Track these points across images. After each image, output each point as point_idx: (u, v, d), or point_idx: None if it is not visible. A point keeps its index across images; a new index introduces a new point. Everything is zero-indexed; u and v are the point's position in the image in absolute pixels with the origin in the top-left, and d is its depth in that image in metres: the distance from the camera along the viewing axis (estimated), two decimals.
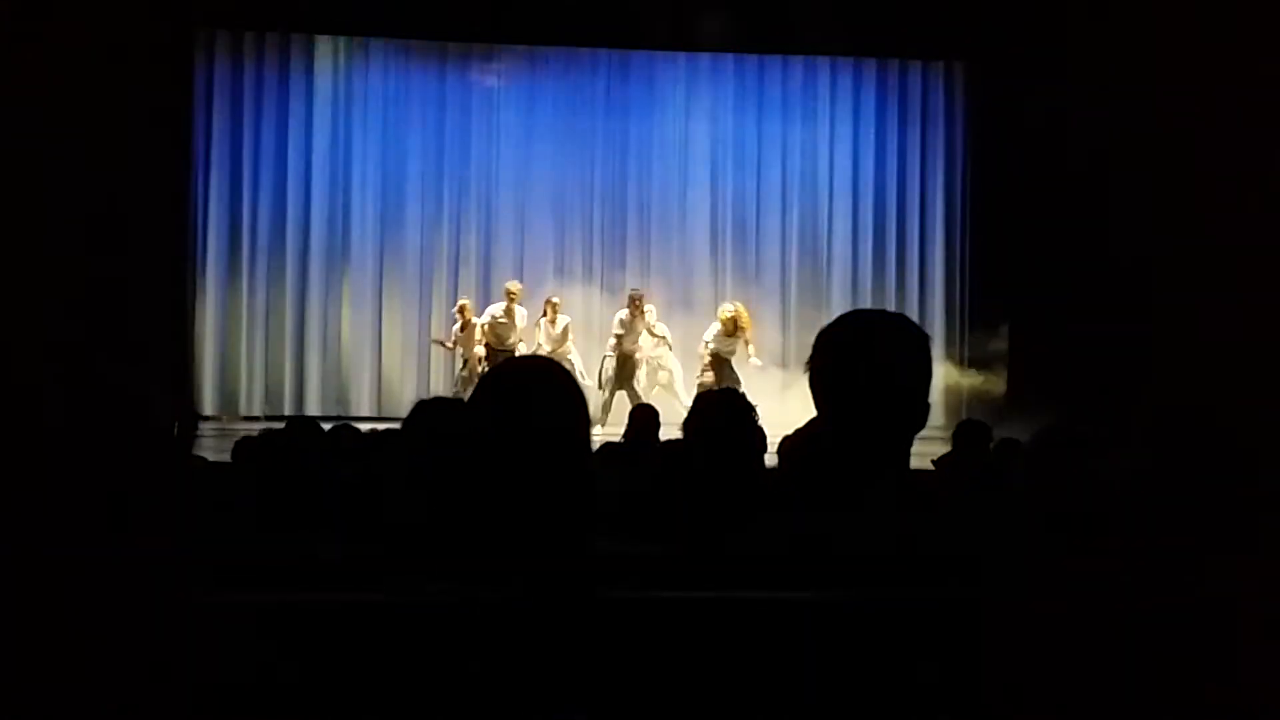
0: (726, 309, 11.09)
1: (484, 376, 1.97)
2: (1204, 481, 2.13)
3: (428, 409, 2.41)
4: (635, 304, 11.21)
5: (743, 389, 10.54)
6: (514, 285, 11.37)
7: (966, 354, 12.10)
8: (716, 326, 11.04)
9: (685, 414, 3.14)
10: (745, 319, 11.01)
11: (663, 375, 11.26)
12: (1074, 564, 1.89)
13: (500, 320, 11.17)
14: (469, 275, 12.42)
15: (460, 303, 11.53)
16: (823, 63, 12.70)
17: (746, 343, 10.98)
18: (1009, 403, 10.99)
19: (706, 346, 10.98)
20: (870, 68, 12.78)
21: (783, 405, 8.99)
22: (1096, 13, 10.25)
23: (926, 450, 6.29)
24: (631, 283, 12.11)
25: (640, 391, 10.93)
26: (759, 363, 11.04)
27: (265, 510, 3.37)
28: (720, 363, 10.97)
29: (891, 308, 11.90)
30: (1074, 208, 10.71)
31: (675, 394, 10.96)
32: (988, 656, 1.70)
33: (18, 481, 1.74)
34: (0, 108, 9.27)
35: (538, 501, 1.83)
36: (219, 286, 12.00)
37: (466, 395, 2.03)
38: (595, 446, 2.48)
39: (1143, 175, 9.96)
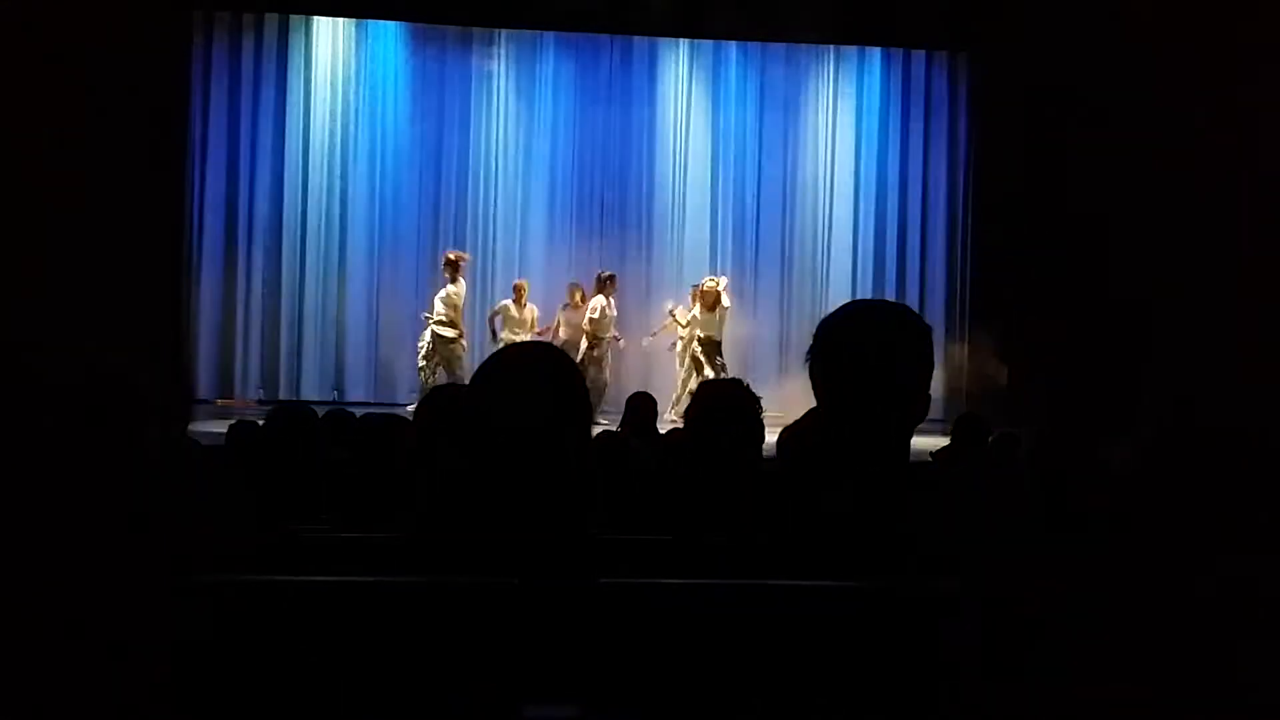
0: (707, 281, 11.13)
1: (483, 364, 1.95)
2: (1208, 473, 2.12)
3: (437, 396, 2.41)
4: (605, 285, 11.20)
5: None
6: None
7: (967, 346, 12.08)
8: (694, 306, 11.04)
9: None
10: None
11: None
12: (1074, 558, 1.88)
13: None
14: (467, 259, 12.40)
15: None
16: (826, 52, 12.67)
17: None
18: (1010, 396, 10.98)
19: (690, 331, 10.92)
20: (874, 57, 12.75)
21: (781, 396, 8.96)
22: (1102, 3, 10.22)
23: (926, 443, 6.30)
24: (631, 269, 12.13)
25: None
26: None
27: (260, 494, 3.36)
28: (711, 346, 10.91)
29: (892, 298, 11.90)
30: (1077, 198, 10.69)
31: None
32: (984, 651, 1.69)
33: (10, 466, 1.73)
34: None
35: (537, 488, 1.82)
36: (215, 269, 11.96)
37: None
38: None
39: (1147, 168, 9.94)
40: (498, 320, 11.19)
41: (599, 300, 11.10)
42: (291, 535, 2.70)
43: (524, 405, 1.84)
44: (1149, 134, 9.87)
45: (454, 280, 10.88)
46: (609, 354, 11.24)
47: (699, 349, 10.92)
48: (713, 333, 10.96)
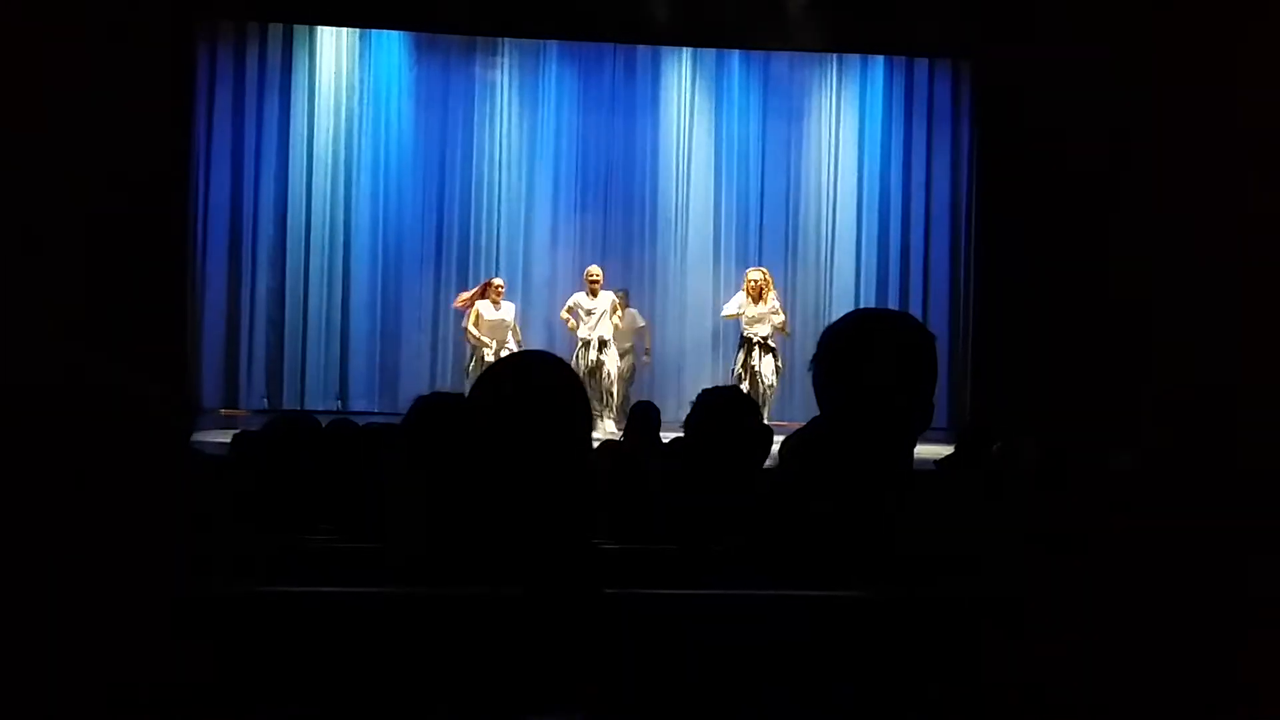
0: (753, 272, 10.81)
1: (483, 373, 1.96)
2: (1210, 478, 2.12)
3: (427, 406, 2.40)
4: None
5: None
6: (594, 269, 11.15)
7: (970, 353, 12.06)
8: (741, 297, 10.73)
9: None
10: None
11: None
12: (1078, 564, 1.87)
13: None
14: (472, 268, 12.41)
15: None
16: (829, 60, 12.67)
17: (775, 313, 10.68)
18: (1014, 403, 10.95)
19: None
20: (877, 65, 12.75)
21: (785, 403, 8.94)
22: (1104, 11, 10.23)
23: (929, 451, 6.29)
24: (634, 277, 12.14)
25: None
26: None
27: (264, 504, 3.35)
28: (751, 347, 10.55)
29: (895, 306, 11.91)
30: (1079, 206, 10.69)
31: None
32: (989, 658, 1.69)
33: (11, 477, 1.72)
34: (1, 95, 9.25)
35: (539, 498, 1.82)
36: (220, 279, 11.98)
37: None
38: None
39: (1149, 173, 9.94)
40: (573, 314, 11.01)
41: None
42: (295, 545, 2.70)
43: (525, 414, 1.84)
44: (1150, 140, 9.87)
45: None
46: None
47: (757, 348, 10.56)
48: (764, 331, 10.56)
